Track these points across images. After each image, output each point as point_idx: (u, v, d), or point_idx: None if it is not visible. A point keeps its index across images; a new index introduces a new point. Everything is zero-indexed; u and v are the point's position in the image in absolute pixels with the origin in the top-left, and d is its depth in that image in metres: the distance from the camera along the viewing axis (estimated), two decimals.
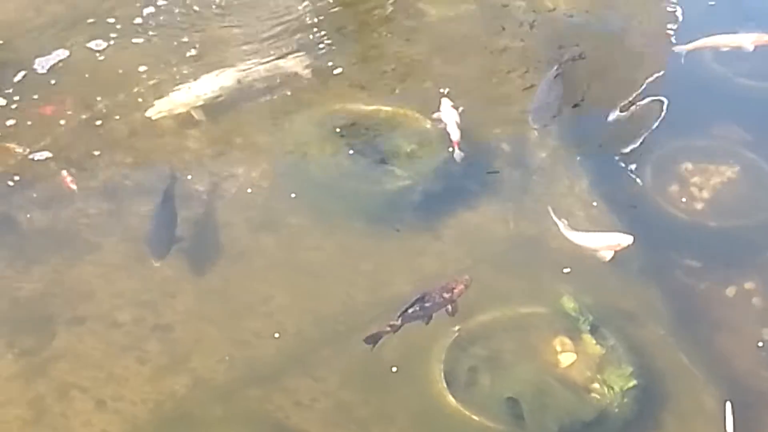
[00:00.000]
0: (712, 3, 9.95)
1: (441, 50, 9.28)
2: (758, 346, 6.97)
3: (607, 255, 7.13)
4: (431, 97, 8.45)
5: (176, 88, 8.56)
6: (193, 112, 8.36)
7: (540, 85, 8.60)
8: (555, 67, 8.68)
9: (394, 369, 6.62)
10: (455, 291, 6.66)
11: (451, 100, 8.24)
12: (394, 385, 6.60)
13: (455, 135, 7.96)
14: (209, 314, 6.98)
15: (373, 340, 6.42)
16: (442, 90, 8.51)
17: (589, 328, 6.73)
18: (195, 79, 8.65)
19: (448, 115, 8.10)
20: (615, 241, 7.13)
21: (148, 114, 8.28)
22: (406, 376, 6.61)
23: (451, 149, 7.92)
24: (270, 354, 6.77)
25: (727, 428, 5.42)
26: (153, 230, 7.32)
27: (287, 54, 9.07)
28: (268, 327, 6.90)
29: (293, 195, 7.77)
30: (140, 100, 8.50)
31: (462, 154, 7.88)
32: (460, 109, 8.18)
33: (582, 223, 7.53)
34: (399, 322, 6.47)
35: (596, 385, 6.46)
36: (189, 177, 7.93)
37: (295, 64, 8.97)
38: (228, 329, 6.89)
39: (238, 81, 8.67)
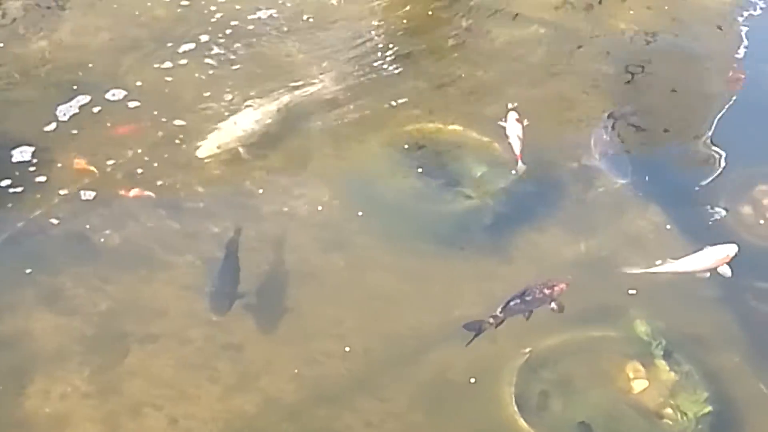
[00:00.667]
0: None
1: (511, 74, 9.29)
2: None
3: (726, 271, 7.02)
4: (499, 119, 8.44)
5: (216, 126, 8.53)
6: (240, 150, 8.35)
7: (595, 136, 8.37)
8: (608, 121, 8.48)
9: (473, 380, 6.62)
10: (555, 289, 6.70)
11: (518, 113, 8.24)
12: (463, 407, 6.57)
13: (518, 147, 7.99)
14: (279, 334, 7.01)
15: (473, 328, 6.45)
16: (509, 105, 8.48)
17: (662, 353, 6.65)
18: (257, 105, 8.71)
19: (513, 128, 8.11)
20: (721, 254, 6.99)
21: (198, 155, 8.26)
22: (476, 398, 6.58)
23: (515, 163, 7.97)
24: (339, 374, 6.77)
25: None
26: (215, 286, 7.23)
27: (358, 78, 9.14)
28: (337, 347, 6.91)
29: (361, 215, 7.80)
30: (213, 122, 8.60)
31: (524, 166, 7.91)
32: (525, 122, 8.18)
33: (655, 246, 7.47)
34: (501, 314, 6.51)
35: (669, 411, 6.38)
36: (260, 192, 7.99)
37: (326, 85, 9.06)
38: (297, 349, 6.92)
39: (278, 110, 8.68)
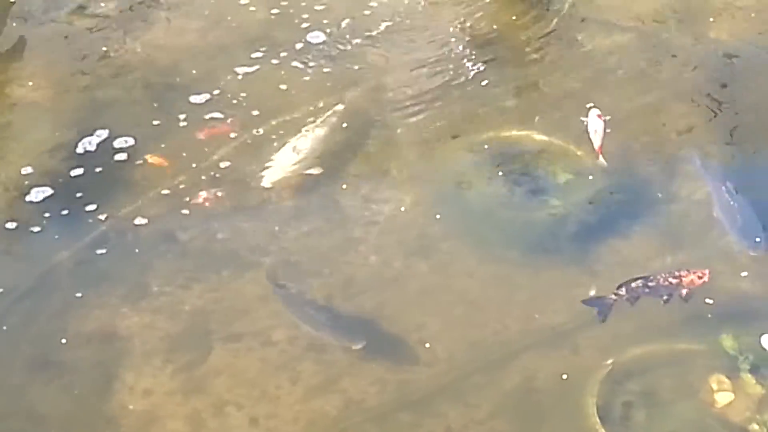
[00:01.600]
0: None
1: (597, 81, 9.19)
2: None
3: None
4: (581, 129, 8.39)
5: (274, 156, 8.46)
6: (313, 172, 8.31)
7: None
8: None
9: (610, 361, 6.65)
10: (684, 279, 6.72)
11: (599, 110, 8.18)
12: (546, 416, 6.54)
13: (597, 142, 7.97)
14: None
15: (595, 304, 6.62)
16: (589, 105, 8.42)
17: (749, 367, 6.54)
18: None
19: (594, 123, 8.07)
20: None
21: (264, 185, 8.21)
22: (559, 408, 6.54)
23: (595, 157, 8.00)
24: (422, 379, 6.78)
25: None
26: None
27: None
28: (420, 351, 6.94)
29: (444, 220, 7.80)
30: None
31: (605, 163, 7.91)
32: (607, 118, 8.13)
33: (745, 260, 7.36)
34: (622, 292, 6.68)
35: (755, 426, 6.27)
36: (341, 195, 8.07)
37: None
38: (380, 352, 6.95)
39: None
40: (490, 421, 6.54)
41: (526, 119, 8.76)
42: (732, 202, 7.70)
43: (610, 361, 6.66)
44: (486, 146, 8.37)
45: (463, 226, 7.81)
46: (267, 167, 8.28)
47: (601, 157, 7.89)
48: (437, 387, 6.75)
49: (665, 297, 6.81)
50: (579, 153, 8.22)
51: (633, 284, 6.69)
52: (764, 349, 6.62)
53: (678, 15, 10.04)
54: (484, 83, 9.19)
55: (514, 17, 10.02)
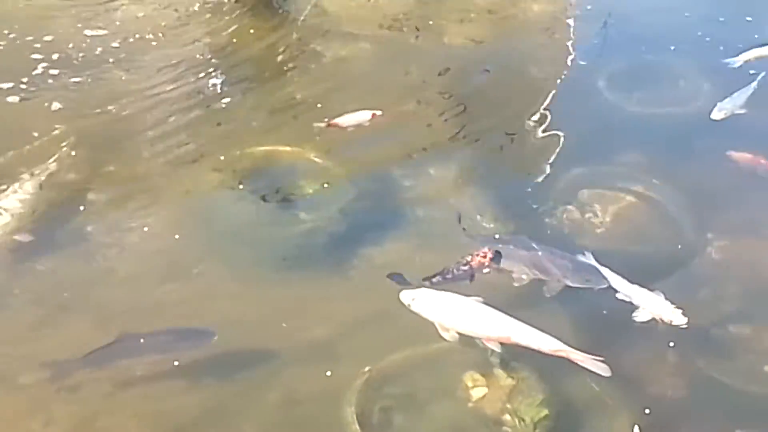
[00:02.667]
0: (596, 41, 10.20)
1: (339, 90, 9.34)
2: (667, 369, 7.05)
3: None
4: (331, 138, 8.52)
5: None
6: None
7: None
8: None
9: (367, 368, 6.72)
10: (472, 262, 7.01)
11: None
12: (309, 429, 6.57)
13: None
14: None
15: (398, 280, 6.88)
16: None
17: (498, 360, 6.76)
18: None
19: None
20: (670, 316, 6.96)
21: None
22: (321, 419, 6.56)
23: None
24: (187, 405, 6.65)
25: None
26: None
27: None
28: (184, 377, 6.83)
29: (199, 244, 7.72)
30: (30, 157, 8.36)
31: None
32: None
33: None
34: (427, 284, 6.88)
35: (507, 417, 6.49)
36: (90, 229, 7.84)
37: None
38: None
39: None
40: None
41: (271, 133, 8.80)
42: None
43: (367, 369, 6.74)
44: (234, 164, 8.34)
45: (215, 248, 7.74)
46: None
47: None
48: (201, 412, 6.65)
49: (468, 280, 7.06)
50: (328, 165, 8.30)
51: (434, 279, 6.92)
52: None
53: (415, 22, 10.32)
54: (226, 101, 9.20)
55: (252, 30, 10.04)
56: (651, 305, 6.93)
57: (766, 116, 9.00)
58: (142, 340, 6.81)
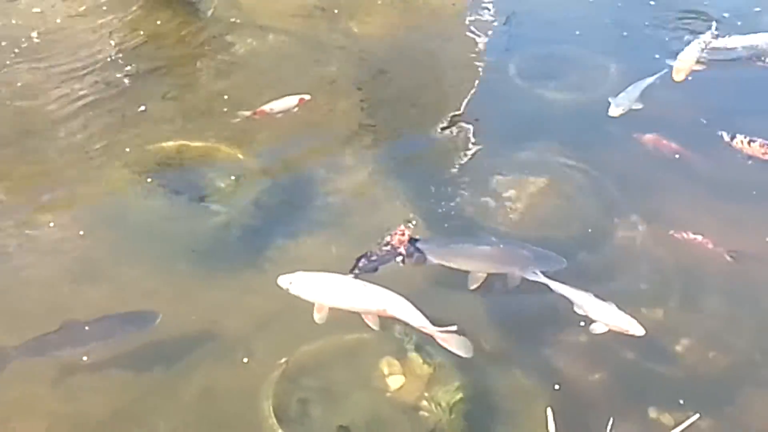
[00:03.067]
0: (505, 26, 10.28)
1: (253, 83, 9.29)
2: (581, 351, 7.14)
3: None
4: (244, 129, 8.49)
5: None
6: None
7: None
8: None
9: (283, 360, 6.71)
10: (392, 241, 7.10)
11: None
12: (227, 424, 6.53)
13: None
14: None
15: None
16: None
17: (413, 347, 6.80)
18: None
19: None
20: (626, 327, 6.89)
21: None
22: (239, 414, 6.54)
23: None
24: (99, 405, 6.59)
25: None
26: None
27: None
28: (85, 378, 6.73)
29: (111, 240, 7.62)
30: None
31: None
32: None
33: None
34: (356, 272, 6.97)
35: (425, 404, 6.53)
36: None
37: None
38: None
39: None
40: None
41: (183, 127, 8.71)
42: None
43: (283, 360, 6.72)
44: (146, 160, 8.27)
45: (129, 245, 7.64)
46: None
47: None
48: (114, 410, 6.59)
49: (397, 260, 7.13)
50: (239, 157, 8.25)
51: (360, 264, 6.98)
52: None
53: (328, 13, 10.29)
54: (136, 95, 9.07)
55: (159, 23, 9.93)
56: (607, 318, 6.86)
57: (667, 98, 9.20)
58: (86, 328, 6.76)
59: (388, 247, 7.14)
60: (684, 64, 9.27)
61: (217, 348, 6.95)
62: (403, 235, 7.24)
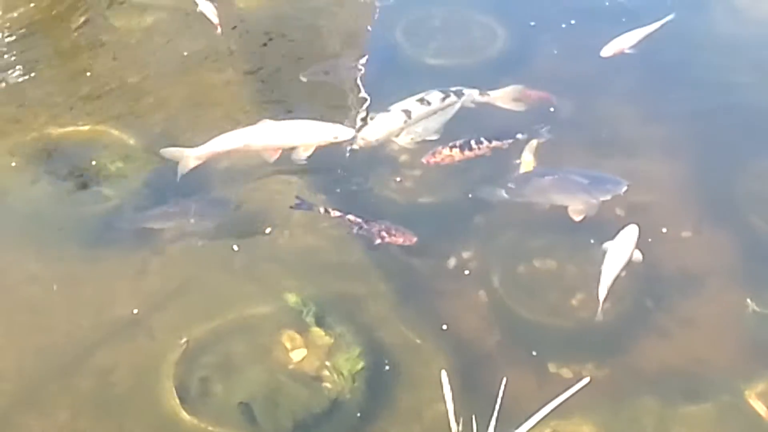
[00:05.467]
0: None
1: (137, 63, 9.17)
2: (479, 312, 7.24)
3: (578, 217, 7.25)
4: (131, 110, 8.42)
5: None
6: None
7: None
8: None
9: (184, 340, 6.66)
10: (386, 235, 7.30)
11: None
12: (128, 409, 6.47)
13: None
14: None
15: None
16: None
17: (314, 319, 6.81)
18: None
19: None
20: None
21: None
22: (140, 397, 6.48)
23: None
24: None
25: (445, 395, 5.63)
26: None
27: None
28: None
29: None
30: None
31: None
32: None
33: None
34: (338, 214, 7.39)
35: (327, 374, 6.55)
36: None
37: None
38: None
39: None
40: (72, 424, 6.39)
41: (69, 112, 8.53)
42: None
43: (184, 340, 6.68)
44: (31, 147, 8.09)
45: (14, 232, 7.50)
46: None
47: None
48: (11, 402, 6.50)
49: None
50: (129, 141, 8.17)
51: (349, 216, 7.38)
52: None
53: None
54: (23, 79, 8.90)
55: (33, 5, 9.68)
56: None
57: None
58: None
59: (383, 233, 7.33)
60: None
61: (114, 332, 6.87)
62: (404, 240, 7.36)
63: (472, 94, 8.59)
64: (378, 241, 7.33)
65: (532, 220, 7.67)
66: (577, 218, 7.37)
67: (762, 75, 9.08)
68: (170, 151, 7.61)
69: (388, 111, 8.42)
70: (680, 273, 7.41)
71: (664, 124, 8.61)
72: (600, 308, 6.80)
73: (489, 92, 8.62)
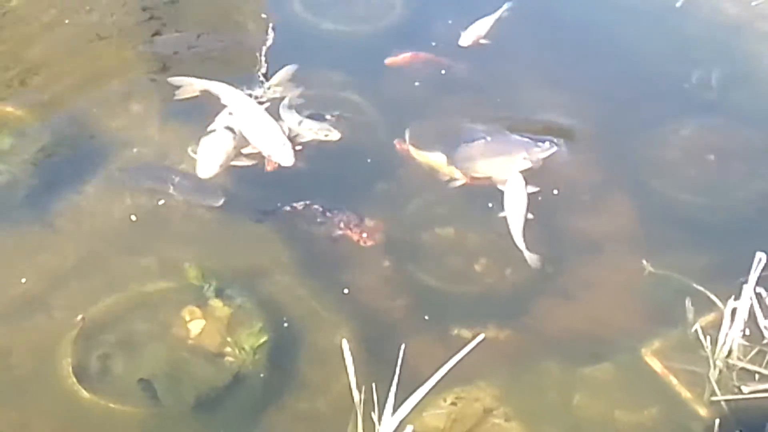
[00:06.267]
0: None
1: (26, 37, 8.91)
2: (381, 277, 7.24)
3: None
4: (22, 83, 8.27)
5: None
6: None
7: None
8: None
9: (80, 317, 6.54)
10: (352, 230, 7.26)
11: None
12: (26, 390, 6.31)
13: None
14: None
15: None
16: None
17: (214, 293, 6.74)
18: None
19: None
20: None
21: None
22: (38, 378, 6.34)
23: None
24: None
25: (347, 365, 5.62)
26: None
27: None
28: None
29: None
30: None
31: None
32: None
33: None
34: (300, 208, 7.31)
35: (229, 349, 6.49)
36: None
37: None
38: None
39: None
40: None
41: None
42: None
43: (80, 317, 6.56)
44: None
45: None
46: None
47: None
48: None
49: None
50: (18, 114, 7.97)
51: (314, 206, 7.34)
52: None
53: None
54: None
55: None
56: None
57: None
58: None
59: (345, 226, 7.29)
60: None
61: (9, 312, 6.71)
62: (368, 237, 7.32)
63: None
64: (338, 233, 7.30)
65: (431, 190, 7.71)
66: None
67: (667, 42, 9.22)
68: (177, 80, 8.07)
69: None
70: (579, 236, 7.49)
71: (564, 89, 8.68)
72: (527, 255, 7.06)
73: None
